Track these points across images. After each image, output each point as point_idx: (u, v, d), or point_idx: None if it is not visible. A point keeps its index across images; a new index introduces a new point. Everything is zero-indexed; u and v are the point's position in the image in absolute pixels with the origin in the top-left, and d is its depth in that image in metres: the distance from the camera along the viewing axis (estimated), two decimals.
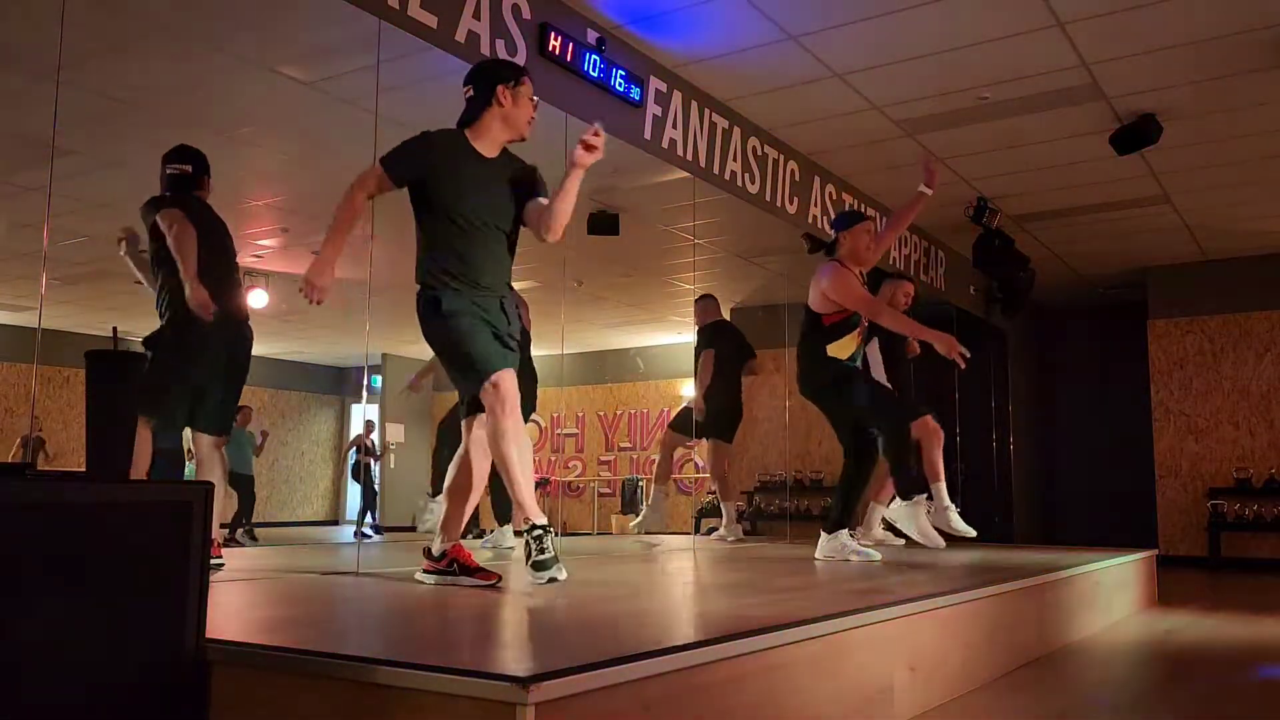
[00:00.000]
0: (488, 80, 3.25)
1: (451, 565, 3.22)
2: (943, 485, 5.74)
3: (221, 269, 3.89)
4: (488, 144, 3.27)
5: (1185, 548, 9.41)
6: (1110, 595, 5.10)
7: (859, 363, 4.80)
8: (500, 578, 3.19)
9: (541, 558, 3.04)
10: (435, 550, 3.27)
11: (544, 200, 3.32)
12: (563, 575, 3.07)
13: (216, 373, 3.83)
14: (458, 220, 3.17)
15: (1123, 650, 4.31)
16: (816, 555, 4.72)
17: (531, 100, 3.32)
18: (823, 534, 4.75)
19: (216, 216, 4.00)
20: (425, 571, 3.27)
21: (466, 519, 3.33)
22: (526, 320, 5.73)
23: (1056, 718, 3.01)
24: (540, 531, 3.07)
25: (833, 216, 6.88)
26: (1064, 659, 3.96)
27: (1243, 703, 3.26)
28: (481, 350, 3.09)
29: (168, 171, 3.96)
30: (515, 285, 6.10)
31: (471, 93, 3.26)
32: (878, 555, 4.61)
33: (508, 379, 3.09)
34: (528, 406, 5.81)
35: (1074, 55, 5.23)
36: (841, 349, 4.66)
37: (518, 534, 3.22)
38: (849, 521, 4.71)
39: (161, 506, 1.96)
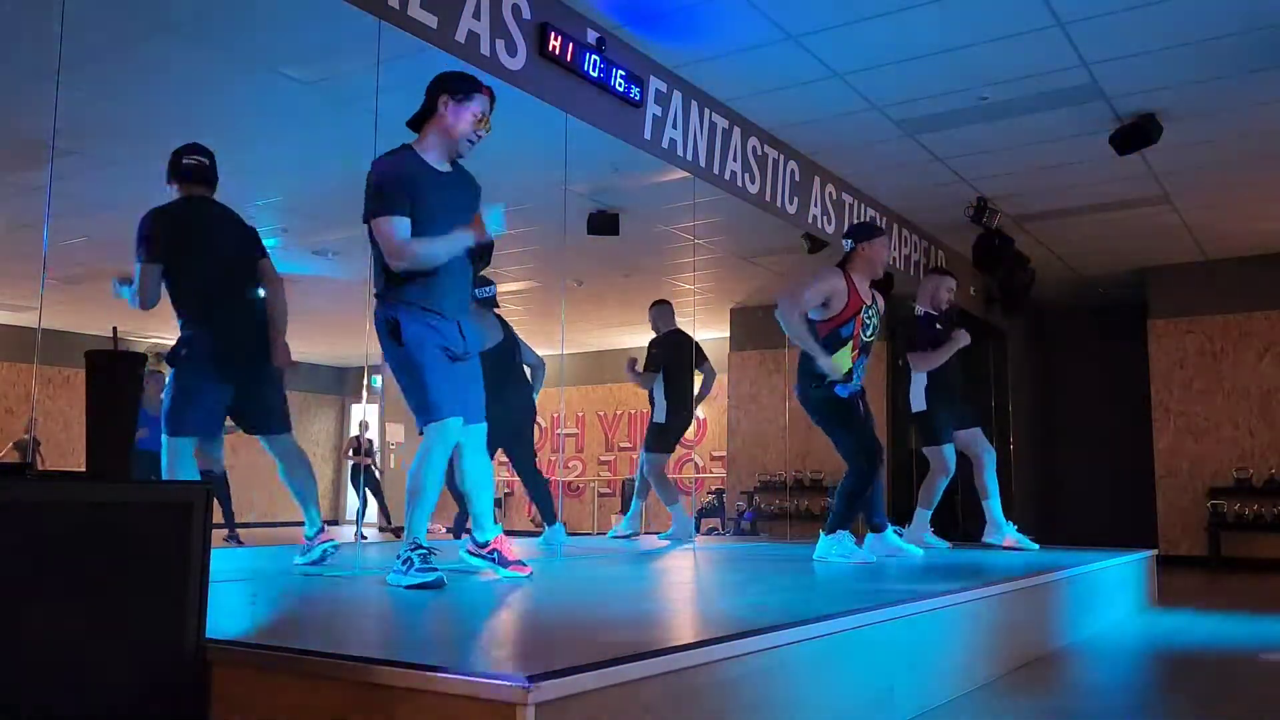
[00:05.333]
0: (434, 89, 3.27)
1: (493, 554, 3.47)
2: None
3: (224, 275, 3.82)
4: (434, 156, 3.27)
5: (1185, 548, 9.41)
6: (1110, 595, 5.10)
7: (858, 379, 4.71)
8: (532, 570, 3.46)
9: (426, 566, 3.18)
10: (480, 538, 3.51)
11: None
12: (528, 569, 3.43)
13: (248, 374, 3.81)
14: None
15: (1123, 650, 4.31)
16: (815, 556, 4.72)
17: (475, 117, 3.26)
18: (822, 534, 4.75)
19: (228, 220, 3.92)
20: (468, 552, 3.55)
21: (490, 508, 3.52)
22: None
23: (1056, 718, 3.01)
24: (425, 551, 3.21)
25: (832, 216, 6.91)
26: (1064, 659, 3.96)
27: (1242, 703, 3.26)
28: (434, 390, 3.19)
29: (184, 162, 3.87)
30: (515, 286, 6.15)
31: (423, 100, 3.29)
32: (873, 557, 4.61)
33: (452, 426, 3.22)
34: (524, 414, 5.83)
35: (1074, 55, 5.23)
36: (837, 362, 4.60)
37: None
38: (850, 524, 4.70)
39: (161, 506, 1.96)
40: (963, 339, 5.75)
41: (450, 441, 3.25)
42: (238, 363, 3.78)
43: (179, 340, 3.77)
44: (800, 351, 4.70)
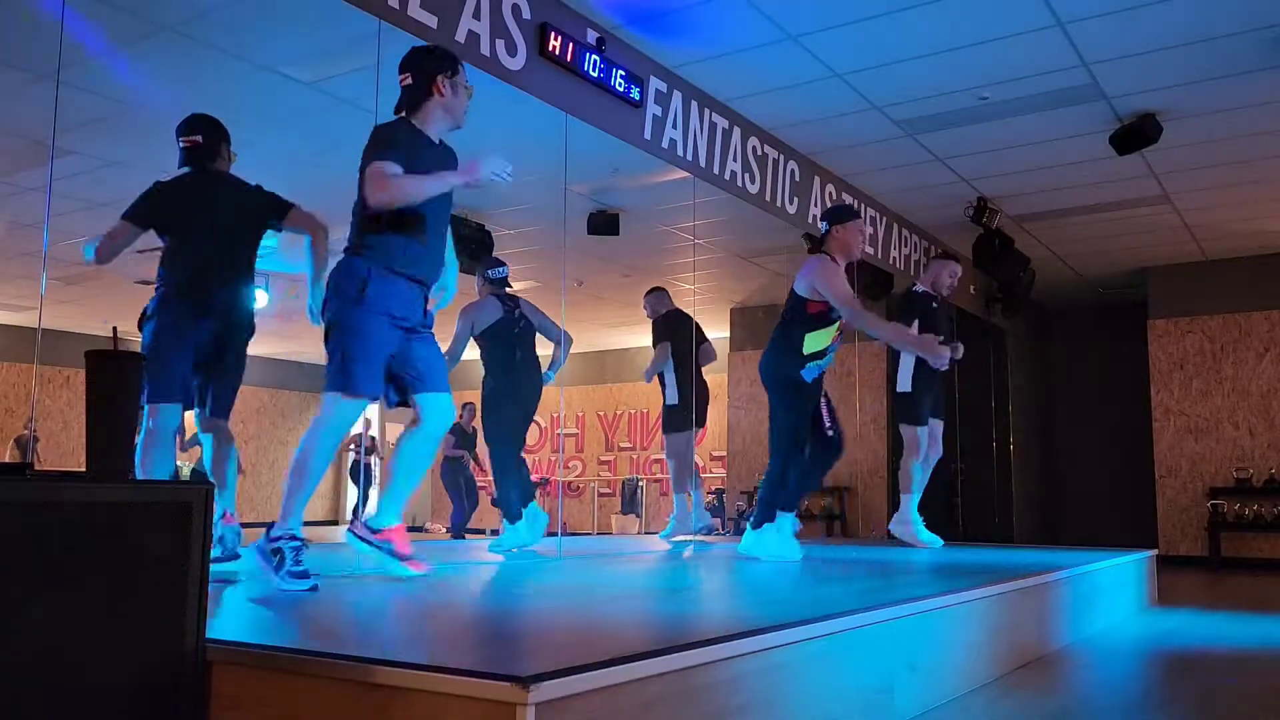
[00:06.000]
0: (426, 70, 3.26)
1: (385, 543, 3.26)
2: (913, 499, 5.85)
3: (215, 248, 3.70)
4: (432, 131, 3.29)
5: (1185, 548, 9.41)
6: (1110, 595, 5.10)
7: (829, 358, 4.76)
8: (430, 570, 3.21)
9: (299, 569, 3.00)
10: (375, 524, 3.31)
11: None
12: (424, 566, 3.14)
13: (211, 352, 3.68)
14: (415, 214, 3.14)
15: (1123, 650, 4.30)
16: (740, 549, 4.80)
17: (467, 88, 3.33)
18: (749, 529, 4.81)
19: (232, 190, 3.81)
20: (354, 534, 3.30)
21: (405, 497, 3.35)
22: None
23: (1056, 718, 3.01)
24: (299, 544, 3.02)
25: None
26: (1064, 659, 3.96)
27: (1242, 703, 3.26)
28: (364, 366, 3.08)
29: (180, 144, 3.82)
30: (515, 285, 6.14)
31: (410, 81, 3.27)
32: (799, 555, 4.65)
33: (355, 410, 3.10)
34: (532, 401, 5.78)
35: (1074, 55, 5.23)
36: (817, 340, 4.65)
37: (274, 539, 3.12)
38: (774, 513, 4.74)
39: (161, 506, 1.96)
40: (940, 363, 5.63)
41: (350, 422, 3.11)
42: (213, 336, 3.66)
43: (153, 301, 3.66)
44: (782, 328, 4.71)
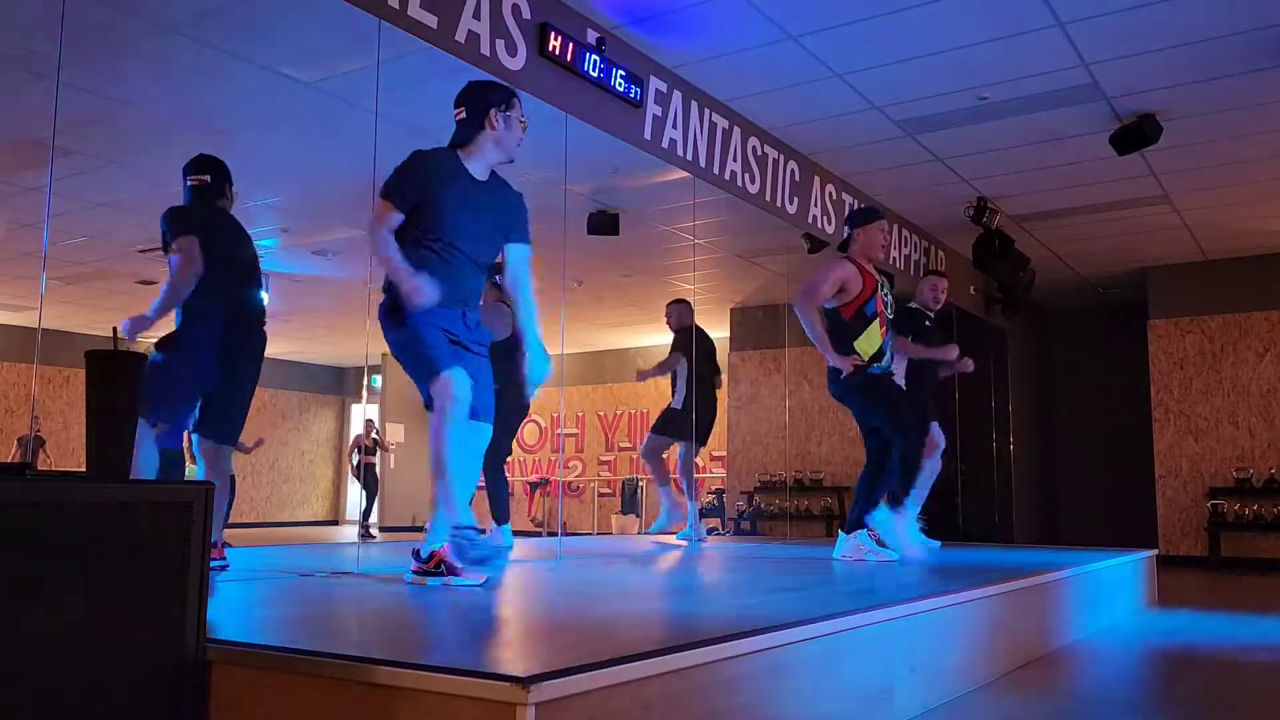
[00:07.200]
0: (480, 103, 3.28)
1: (439, 566, 3.23)
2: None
3: (238, 279, 3.83)
4: (480, 166, 3.31)
5: (1185, 548, 9.41)
6: (1110, 595, 5.10)
7: (889, 355, 4.78)
8: (487, 578, 3.23)
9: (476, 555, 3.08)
10: (424, 552, 3.29)
11: (523, 250, 3.56)
12: (483, 577, 3.13)
13: (224, 379, 3.77)
14: (438, 240, 3.19)
15: (1123, 650, 4.31)
16: (835, 555, 4.71)
17: (521, 122, 3.35)
18: (841, 534, 4.75)
19: (237, 226, 3.95)
20: (414, 573, 3.28)
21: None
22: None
23: (1056, 718, 3.01)
24: (472, 533, 3.09)
25: (832, 216, 6.92)
26: (1064, 659, 3.96)
27: (1243, 703, 3.26)
28: (433, 350, 3.14)
29: (188, 183, 3.91)
30: None
31: (464, 115, 3.29)
32: (896, 555, 4.61)
33: (457, 378, 3.12)
34: (516, 413, 5.80)
35: (1074, 55, 5.23)
36: (868, 341, 4.67)
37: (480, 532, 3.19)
38: (867, 521, 4.71)
39: (161, 506, 1.96)
40: (949, 353, 5.90)
41: (462, 397, 3.11)
42: (223, 364, 3.73)
43: (175, 331, 3.72)
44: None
